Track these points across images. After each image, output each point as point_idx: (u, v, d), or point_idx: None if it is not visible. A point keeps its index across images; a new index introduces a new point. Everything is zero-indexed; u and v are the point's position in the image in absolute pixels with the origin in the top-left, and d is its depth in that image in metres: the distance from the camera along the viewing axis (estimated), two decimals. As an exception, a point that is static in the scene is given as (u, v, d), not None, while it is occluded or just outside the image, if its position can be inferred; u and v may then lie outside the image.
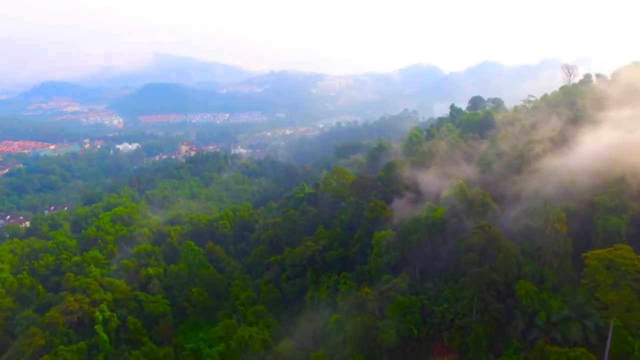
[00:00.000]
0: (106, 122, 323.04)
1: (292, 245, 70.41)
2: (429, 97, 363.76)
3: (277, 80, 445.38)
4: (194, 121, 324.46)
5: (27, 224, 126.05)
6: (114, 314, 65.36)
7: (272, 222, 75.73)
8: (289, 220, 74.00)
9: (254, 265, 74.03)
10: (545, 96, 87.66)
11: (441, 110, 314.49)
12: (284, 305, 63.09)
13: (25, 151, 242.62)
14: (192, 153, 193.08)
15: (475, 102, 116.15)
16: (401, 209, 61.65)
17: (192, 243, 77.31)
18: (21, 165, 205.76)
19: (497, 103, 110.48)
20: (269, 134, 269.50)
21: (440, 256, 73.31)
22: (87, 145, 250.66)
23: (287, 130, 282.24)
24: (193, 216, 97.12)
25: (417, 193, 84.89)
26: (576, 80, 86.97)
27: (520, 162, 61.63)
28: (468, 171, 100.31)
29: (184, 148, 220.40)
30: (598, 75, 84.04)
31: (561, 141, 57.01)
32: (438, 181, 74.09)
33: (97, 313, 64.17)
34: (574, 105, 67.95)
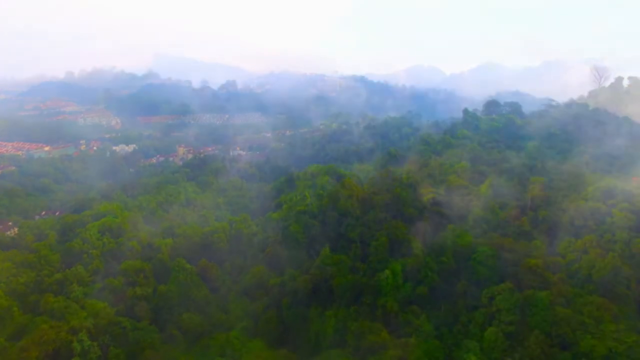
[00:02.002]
0: (104, 123, 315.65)
1: (293, 264, 63.20)
2: (430, 99, 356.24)
3: (277, 80, 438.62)
4: (192, 122, 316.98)
5: (16, 230, 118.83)
6: (95, 343, 58.35)
7: (271, 239, 68.41)
8: (290, 237, 66.71)
9: (252, 287, 66.74)
10: (571, 102, 79.88)
11: (444, 112, 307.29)
12: (285, 336, 55.81)
13: (19, 153, 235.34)
14: (190, 155, 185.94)
15: (490, 106, 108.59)
16: (421, 232, 54.13)
17: (183, 261, 70.10)
18: (14, 168, 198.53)
19: (515, 107, 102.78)
20: (268, 135, 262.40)
21: (470, 290, 66.50)
22: (83, 147, 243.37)
23: (287, 132, 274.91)
24: (186, 228, 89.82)
25: (439, 213, 78.15)
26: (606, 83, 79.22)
27: (572, 182, 54.09)
28: (497, 188, 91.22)
29: (181, 150, 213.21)
30: (631, 78, 76.37)
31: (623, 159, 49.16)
32: (463, 199, 66.92)
33: (75, 343, 57.05)
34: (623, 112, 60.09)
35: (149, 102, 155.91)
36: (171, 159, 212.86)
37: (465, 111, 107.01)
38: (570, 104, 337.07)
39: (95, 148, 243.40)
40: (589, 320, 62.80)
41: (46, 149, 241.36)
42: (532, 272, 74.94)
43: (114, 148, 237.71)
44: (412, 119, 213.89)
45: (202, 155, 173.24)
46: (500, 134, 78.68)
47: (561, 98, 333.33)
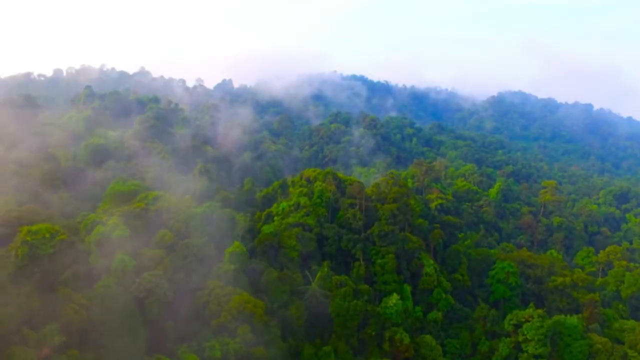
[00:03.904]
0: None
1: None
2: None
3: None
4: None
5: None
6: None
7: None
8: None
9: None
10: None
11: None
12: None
13: None
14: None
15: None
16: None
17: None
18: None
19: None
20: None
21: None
22: None
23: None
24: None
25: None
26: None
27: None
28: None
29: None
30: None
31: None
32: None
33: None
34: None
35: (134, 100, 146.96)
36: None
37: (468, 111, 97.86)
38: (574, 104, 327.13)
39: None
40: (633, 352, 53.94)
41: None
42: (559, 291, 66.22)
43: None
44: (413, 119, 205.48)
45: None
46: (504, 134, 69.44)
47: (564, 98, 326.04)
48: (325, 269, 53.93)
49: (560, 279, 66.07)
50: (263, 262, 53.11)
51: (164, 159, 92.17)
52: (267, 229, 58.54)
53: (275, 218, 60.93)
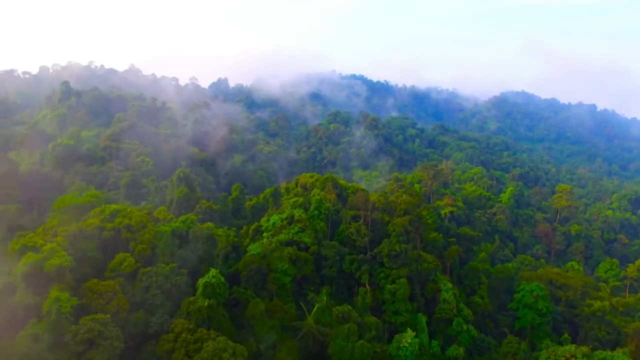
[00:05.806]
0: None
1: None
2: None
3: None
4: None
5: None
6: None
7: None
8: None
9: None
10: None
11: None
12: None
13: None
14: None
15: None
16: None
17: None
18: None
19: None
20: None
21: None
22: None
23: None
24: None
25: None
26: None
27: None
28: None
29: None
30: None
31: None
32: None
33: None
34: None
35: (116, 97, 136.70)
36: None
37: (471, 111, 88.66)
38: (578, 105, 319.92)
39: None
40: (697, 399, 44.79)
41: None
42: (598, 318, 57.17)
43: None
44: (414, 119, 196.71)
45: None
46: (508, 135, 60.17)
47: (567, 98, 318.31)
48: (324, 298, 44.38)
49: (597, 304, 56.79)
50: (248, 290, 43.42)
51: (143, 163, 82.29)
52: (253, 248, 48.73)
53: (265, 234, 51.19)
